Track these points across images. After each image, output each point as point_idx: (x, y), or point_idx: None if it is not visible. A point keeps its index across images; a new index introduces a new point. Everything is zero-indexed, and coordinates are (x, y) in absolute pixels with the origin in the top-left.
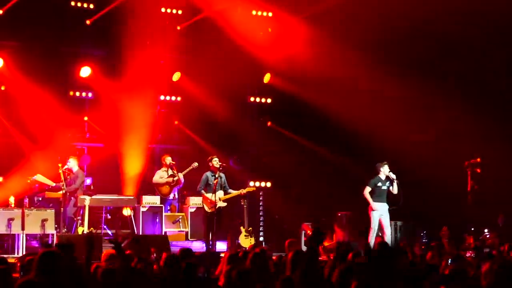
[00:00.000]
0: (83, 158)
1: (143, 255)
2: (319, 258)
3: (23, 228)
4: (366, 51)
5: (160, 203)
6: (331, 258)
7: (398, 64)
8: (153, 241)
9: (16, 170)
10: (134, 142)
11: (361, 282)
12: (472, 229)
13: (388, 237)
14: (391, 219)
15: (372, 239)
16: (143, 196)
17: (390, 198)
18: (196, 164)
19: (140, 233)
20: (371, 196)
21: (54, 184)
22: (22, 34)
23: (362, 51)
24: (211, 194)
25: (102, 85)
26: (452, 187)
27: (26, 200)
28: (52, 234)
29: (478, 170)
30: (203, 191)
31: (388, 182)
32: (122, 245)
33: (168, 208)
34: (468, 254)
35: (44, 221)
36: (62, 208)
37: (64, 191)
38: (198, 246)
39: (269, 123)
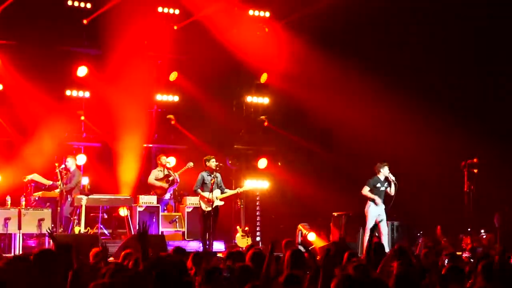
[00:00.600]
0: (79, 158)
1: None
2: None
3: (19, 228)
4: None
5: (156, 203)
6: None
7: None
8: (150, 240)
9: (12, 169)
10: (130, 141)
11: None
12: (469, 229)
13: (385, 238)
14: (388, 219)
15: (367, 239)
16: (140, 196)
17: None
18: (191, 164)
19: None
20: (370, 198)
21: (50, 183)
22: (19, 34)
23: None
24: (208, 193)
25: (98, 85)
26: (448, 187)
27: (23, 200)
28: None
29: (475, 171)
30: (199, 190)
31: (386, 183)
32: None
33: (164, 208)
34: (465, 255)
35: (40, 220)
36: (58, 208)
37: (60, 191)
38: (195, 245)
39: (265, 123)
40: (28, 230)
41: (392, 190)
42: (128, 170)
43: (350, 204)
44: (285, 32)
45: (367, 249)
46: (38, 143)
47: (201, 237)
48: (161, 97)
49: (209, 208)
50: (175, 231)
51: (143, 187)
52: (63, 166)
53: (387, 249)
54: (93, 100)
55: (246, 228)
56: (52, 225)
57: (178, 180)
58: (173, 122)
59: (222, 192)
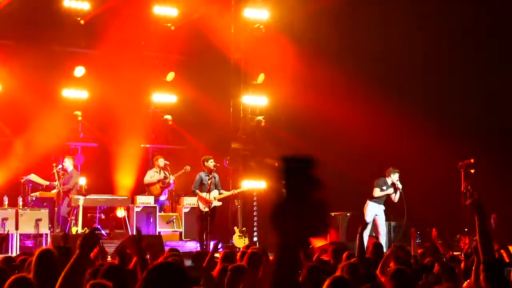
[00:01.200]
0: (77, 158)
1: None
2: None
3: (17, 228)
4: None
5: (154, 203)
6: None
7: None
8: (147, 241)
9: (9, 170)
10: (128, 142)
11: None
12: (466, 229)
13: (383, 238)
14: (386, 219)
15: (364, 237)
16: (137, 196)
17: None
18: (188, 168)
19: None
20: (372, 197)
21: (48, 183)
22: (16, 34)
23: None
24: (205, 193)
25: (96, 85)
26: (445, 187)
27: (20, 200)
28: (46, 234)
29: (472, 171)
30: (197, 190)
31: (392, 189)
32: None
33: (161, 208)
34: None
35: (38, 220)
36: (56, 208)
37: (58, 191)
38: (192, 246)
39: (263, 124)
40: (25, 230)
41: (396, 197)
42: (125, 171)
43: (348, 205)
44: (282, 32)
45: (359, 249)
46: (35, 143)
47: (198, 238)
48: (158, 97)
49: (207, 209)
50: (173, 231)
51: (140, 187)
52: (60, 166)
53: (385, 249)
54: (90, 100)
55: (244, 229)
56: (50, 226)
57: (173, 183)
58: (170, 123)
59: (220, 193)
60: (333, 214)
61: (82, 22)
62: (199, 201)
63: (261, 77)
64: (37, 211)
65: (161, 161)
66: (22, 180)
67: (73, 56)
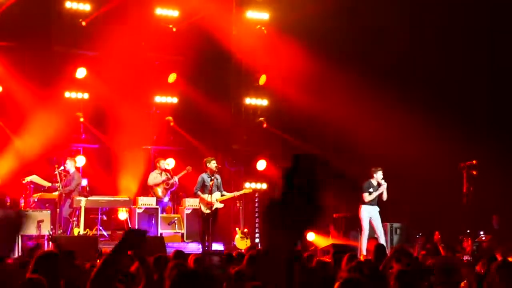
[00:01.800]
0: (78, 159)
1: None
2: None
3: None
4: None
5: (155, 205)
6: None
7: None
8: (148, 242)
9: (11, 171)
10: (129, 143)
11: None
12: (468, 231)
13: (381, 238)
14: (387, 221)
15: (364, 241)
16: (139, 198)
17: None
18: (190, 168)
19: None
20: (363, 200)
21: (50, 185)
22: (18, 35)
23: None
24: (207, 195)
25: (97, 86)
26: (447, 188)
27: (22, 201)
28: (48, 235)
29: (474, 172)
30: (199, 192)
31: (379, 189)
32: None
33: (163, 210)
34: (465, 257)
35: (40, 222)
36: (57, 209)
37: (59, 192)
38: (194, 247)
39: (264, 125)
40: (27, 231)
41: (384, 195)
42: (127, 172)
43: (350, 206)
44: (284, 33)
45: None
46: (37, 144)
47: (200, 239)
48: (159, 99)
49: (208, 211)
50: (174, 233)
51: (142, 188)
52: (62, 168)
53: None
54: (92, 102)
55: (245, 230)
56: (51, 227)
57: (177, 183)
58: (172, 124)
59: (222, 195)
60: (335, 216)
61: (83, 23)
62: (200, 203)
63: (262, 79)
64: (39, 212)
65: (163, 163)
66: (24, 182)
67: (75, 58)
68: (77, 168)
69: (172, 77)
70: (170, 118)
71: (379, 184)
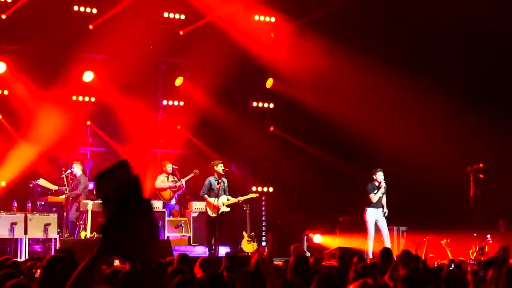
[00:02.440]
0: (85, 163)
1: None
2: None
3: (25, 233)
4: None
5: (162, 208)
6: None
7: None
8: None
9: (18, 174)
10: (136, 146)
11: None
12: (475, 234)
13: (387, 242)
14: (394, 224)
15: (370, 244)
16: None
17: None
18: (197, 171)
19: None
20: (368, 203)
21: (57, 188)
22: (25, 39)
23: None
24: (214, 198)
25: (104, 90)
26: (454, 192)
27: (29, 205)
28: (55, 239)
29: (481, 176)
30: (206, 195)
31: (382, 189)
32: None
33: (170, 213)
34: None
35: (46, 225)
36: (64, 213)
37: (66, 196)
38: (200, 251)
39: (271, 128)
40: (34, 235)
41: (383, 201)
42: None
43: (356, 209)
44: (291, 37)
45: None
46: (44, 148)
47: (207, 242)
48: (166, 102)
49: (215, 214)
50: (181, 236)
51: (148, 192)
52: (69, 171)
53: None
54: (99, 105)
55: (252, 233)
56: (59, 230)
57: (184, 186)
58: (178, 127)
59: (228, 199)
60: (341, 219)
61: (91, 27)
62: (207, 207)
63: (269, 82)
64: (46, 216)
65: (169, 167)
66: (31, 185)
67: (82, 61)
68: (84, 172)
69: (179, 81)
70: (178, 121)
71: (380, 185)
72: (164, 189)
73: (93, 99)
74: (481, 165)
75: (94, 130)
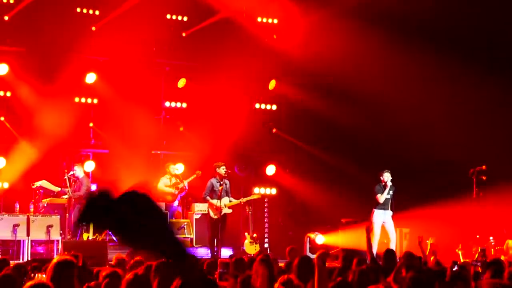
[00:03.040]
0: (87, 164)
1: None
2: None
3: (28, 234)
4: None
5: (165, 210)
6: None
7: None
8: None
9: (21, 176)
10: (139, 148)
11: None
12: (478, 236)
13: (393, 243)
14: (397, 226)
15: (374, 245)
16: None
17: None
18: (199, 172)
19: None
20: (376, 204)
21: (59, 189)
22: (28, 40)
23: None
24: (216, 200)
25: (107, 91)
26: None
27: (31, 206)
28: (57, 241)
29: (484, 178)
30: (208, 197)
31: (389, 190)
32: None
33: (172, 215)
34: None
35: (49, 227)
36: (67, 214)
37: (69, 197)
38: (203, 252)
39: (274, 130)
40: (36, 236)
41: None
42: (136, 177)
43: (358, 211)
44: (293, 39)
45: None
46: (46, 149)
47: (209, 244)
48: (169, 104)
49: (217, 216)
50: (184, 237)
51: (151, 194)
52: (71, 172)
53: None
54: (101, 107)
55: (255, 235)
56: (61, 232)
57: (187, 188)
58: (181, 129)
59: (230, 200)
60: (344, 220)
61: (93, 28)
62: (209, 208)
63: (272, 84)
64: (48, 218)
65: (172, 168)
66: (33, 186)
67: (85, 63)
68: (87, 173)
69: (181, 82)
70: (180, 123)
71: (386, 185)
72: (167, 192)
73: (95, 100)
74: (483, 166)
75: (97, 132)
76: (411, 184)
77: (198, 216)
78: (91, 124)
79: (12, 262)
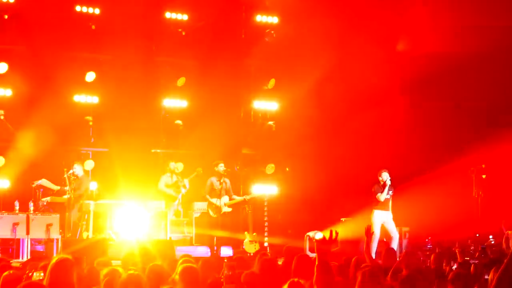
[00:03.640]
0: (87, 163)
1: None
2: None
3: (27, 233)
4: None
5: (165, 208)
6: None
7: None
8: (158, 246)
9: (21, 175)
10: (138, 147)
11: None
12: (477, 235)
13: (395, 243)
14: (396, 224)
15: (374, 245)
16: (148, 201)
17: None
18: (200, 169)
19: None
20: (375, 205)
21: (59, 188)
22: (27, 39)
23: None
24: (216, 199)
25: (107, 90)
26: (457, 193)
27: (31, 205)
28: (57, 239)
29: (483, 177)
30: (208, 196)
31: (388, 190)
32: None
33: (172, 214)
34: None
35: (49, 225)
36: (67, 213)
37: (69, 196)
38: (203, 251)
39: (273, 129)
40: (36, 235)
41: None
42: (136, 176)
43: (358, 210)
44: (293, 37)
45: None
46: (46, 148)
47: (209, 243)
48: (169, 102)
49: (216, 215)
50: (183, 236)
51: (151, 192)
52: (71, 171)
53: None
54: (101, 106)
55: (254, 234)
56: (61, 231)
57: (188, 186)
58: (181, 128)
59: (230, 198)
60: (343, 219)
61: (93, 27)
62: (208, 207)
63: (272, 82)
64: (48, 216)
65: (173, 165)
66: (33, 185)
67: (84, 61)
68: (86, 172)
69: (181, 81)
70: (179, 121)
71: (385, 185)
72: (168, 190)
73: (95, 99)
74: (483, 165)
75: (96, 130)
76: (408, 183)
77: (197, 215)
78: (90, 123)
79: (12, 261)
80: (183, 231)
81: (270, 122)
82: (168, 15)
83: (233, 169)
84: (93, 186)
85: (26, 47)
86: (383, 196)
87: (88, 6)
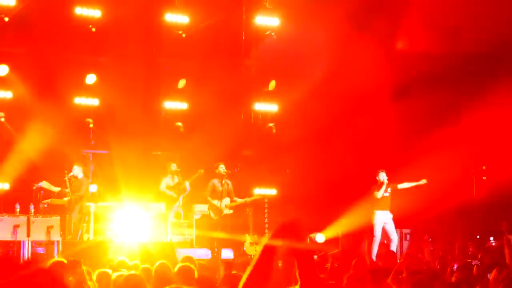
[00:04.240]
0: (88, 165)
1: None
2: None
3: (28, 235)
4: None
5: (165, 210)
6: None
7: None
8: (158, 248)
9: (21, 177)
10: (139, 148)
11: None
12: (478, 236)
13: (394, 244)
14: (397, 226)
15: (375, 248)
16: (149, 203)
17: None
18: (202, 171)
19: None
20: (375, 205)
21: (59, 190)
22: (28, 41)
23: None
24: (217, 201)
25: (107, 92)
26: (457, 194)
27: (32, 207)
28: (58, 241)
29: (483, 178)
30: (209, 198)
31: (386, 188)
32: None
33: (173, 215)
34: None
35: (49, 228)
36: (67, 215)
37: (69, 198)
38: (203, 253)
39: (274, 130)
40: (37, 237)
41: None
42: (136, 178)
43: (358, 210)
44: (294, 38)
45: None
46: (47, 150)
47: (210, 245)
48: (169, 104)
49: (217, 217)
50: (184, 238)
51: (151, 194)
52: (71, 173)
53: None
54: (102, 108)
55: (255, 236)
56: (61, 233)
57: (188, 188)
58: (181, 130)
59: (232, 200)
60: (343, 219)
61: (93, 29)
62: (209, 209)
63: (272, 84)
64: (48, 218)
65: (174, 166)
66: (33, 187)
67: (85, 63)
68: (86, 174)
69: (181, 83)
70: (180, 123)
71: (382, 184)
72: (169, 192)
73: (96, 101)
74: (483, 166)
75: (97, 132)
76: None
77: (198, 217)
78: (91, 125)
79: None
80: (184, 233)
81: (271, 124)
82: (168, 17)
83: (233, 171)
84: (93, 188)
85: (26, 49)
86: (380, 193)
87: (88, 9)
